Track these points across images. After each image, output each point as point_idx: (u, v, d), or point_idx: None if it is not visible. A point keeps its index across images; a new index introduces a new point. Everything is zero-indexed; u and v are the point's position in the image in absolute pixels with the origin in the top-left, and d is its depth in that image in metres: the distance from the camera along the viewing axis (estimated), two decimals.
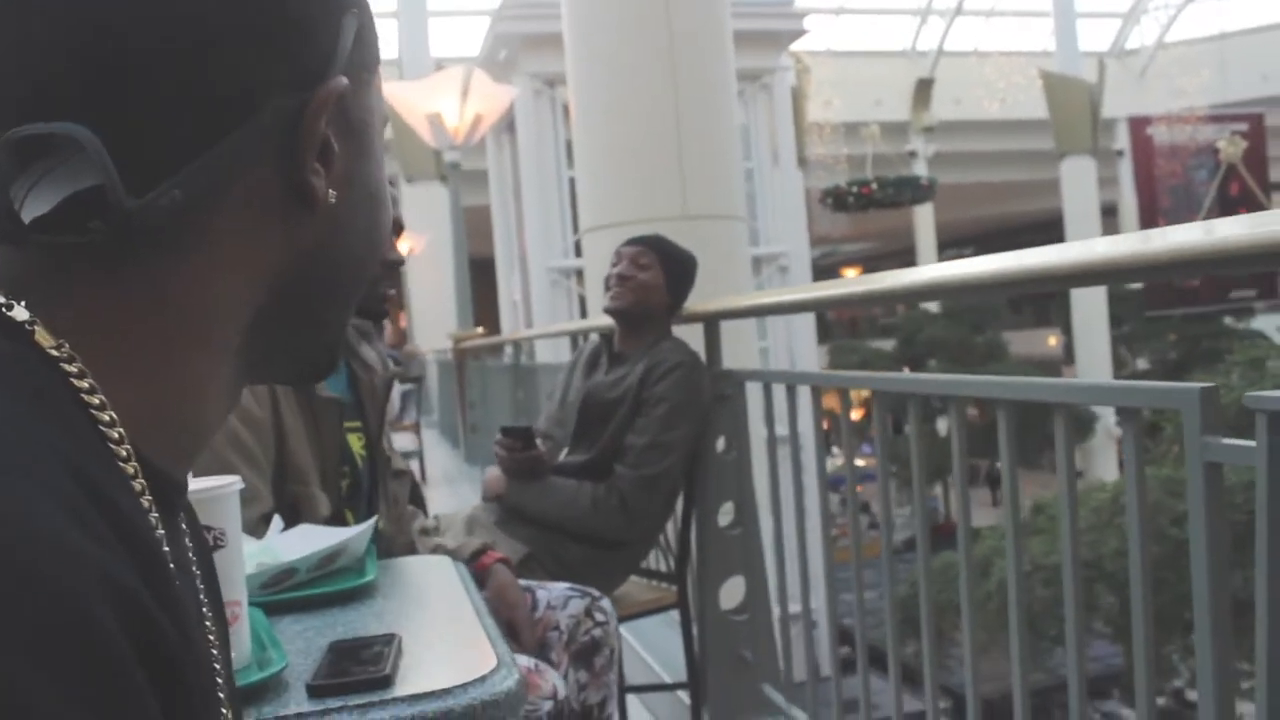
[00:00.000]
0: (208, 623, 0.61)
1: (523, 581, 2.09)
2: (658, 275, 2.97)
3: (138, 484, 0.51)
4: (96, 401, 0.51)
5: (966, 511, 2.00)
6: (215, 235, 0.56)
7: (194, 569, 0.61)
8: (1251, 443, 1.27)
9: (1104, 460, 23.08)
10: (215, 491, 1.14)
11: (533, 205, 11.69)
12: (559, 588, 2.11)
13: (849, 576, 2.44)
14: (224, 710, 0.58)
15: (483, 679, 1.07)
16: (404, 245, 18.24)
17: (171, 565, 0.50)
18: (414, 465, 8.62)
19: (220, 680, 0.60)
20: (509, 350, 7.82)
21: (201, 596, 0.62)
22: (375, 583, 1.52)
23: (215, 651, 0.61)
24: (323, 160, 0.59)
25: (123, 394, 0.53)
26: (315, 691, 1.06)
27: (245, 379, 0.63)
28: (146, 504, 0.52)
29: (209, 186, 0.54)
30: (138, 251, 0.54)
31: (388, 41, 22.33)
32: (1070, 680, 1.68)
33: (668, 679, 3.55)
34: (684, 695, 3.15)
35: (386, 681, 1.06)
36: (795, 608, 2.91)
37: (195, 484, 1.16)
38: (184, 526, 0.63)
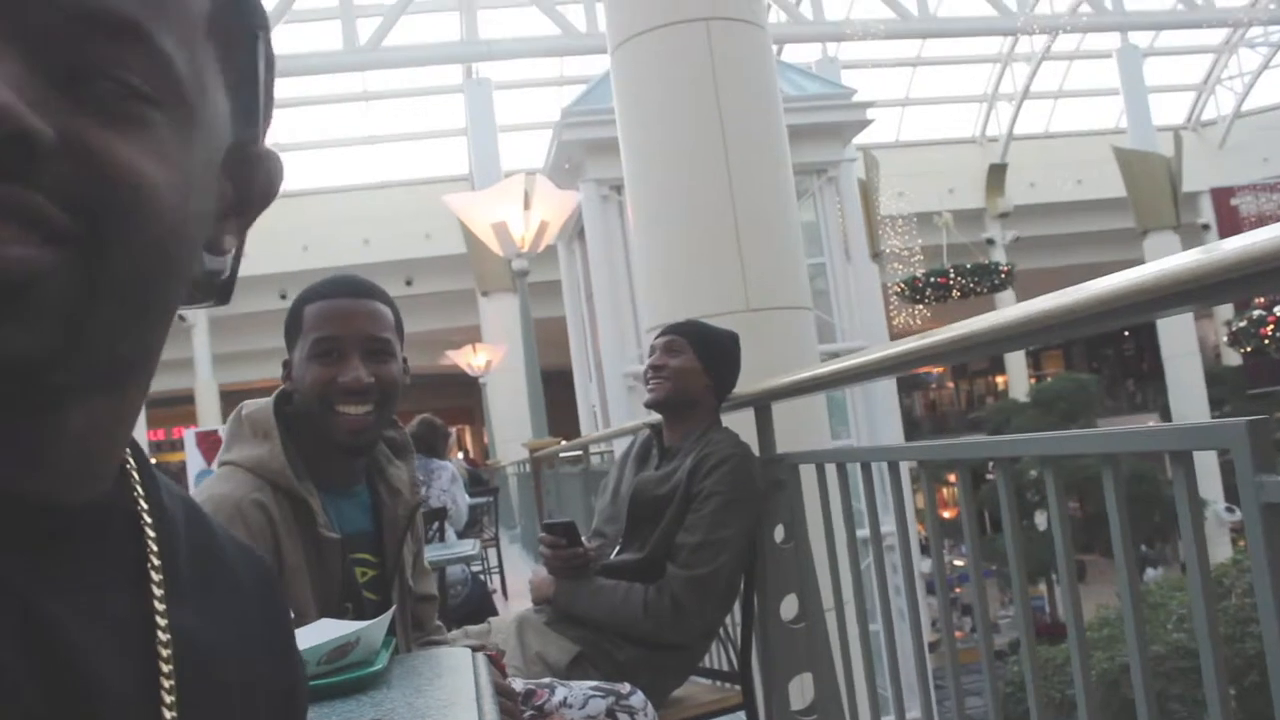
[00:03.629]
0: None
1: (546, 679, 2.00)
2: (691, 359, 2.90)
3: None
4: None
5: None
6: None
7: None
8: None
9: (1215, 548, 22.27)
10: None
11: (604, 310, 11.74)
12: (581, 686, 2.00)
13: (948, 684, 2.26)
14: None
15: None
16: (482, 358, 18.60)
17: None
18: (493, 579, 8.54)
19: None
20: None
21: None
22: (385, 673, 1.44)
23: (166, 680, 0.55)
24: None
25: None
26: None
27: None
28: None
29: None
30: None
31: (459, 158, 22.90)
32: None
33: None
34: None
35: None
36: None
37: None
38: (151, 555, 0.59)
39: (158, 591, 0.58)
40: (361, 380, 1.70)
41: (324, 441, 1.74)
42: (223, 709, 0.61)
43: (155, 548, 0.59)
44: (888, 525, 3.10)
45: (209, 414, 23.25)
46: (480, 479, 11.72)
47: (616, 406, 11.49)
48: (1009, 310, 1.67)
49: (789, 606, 3.00)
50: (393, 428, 1.91)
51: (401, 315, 1.83)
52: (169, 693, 0.55)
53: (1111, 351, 35.67)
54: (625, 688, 2.02)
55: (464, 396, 26.57)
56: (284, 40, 16.64)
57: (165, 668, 0.56)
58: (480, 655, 1.58)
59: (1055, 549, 1.70)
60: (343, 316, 1.72)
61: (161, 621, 0.57)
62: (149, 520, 0.61)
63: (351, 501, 1.81)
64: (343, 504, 1.78)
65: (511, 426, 18.42)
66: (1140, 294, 1.33)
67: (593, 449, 7.83)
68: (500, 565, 8.90)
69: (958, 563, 18.88)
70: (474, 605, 4.88)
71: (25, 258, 0.48)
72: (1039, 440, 1.77)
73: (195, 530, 0.66)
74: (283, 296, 22.06)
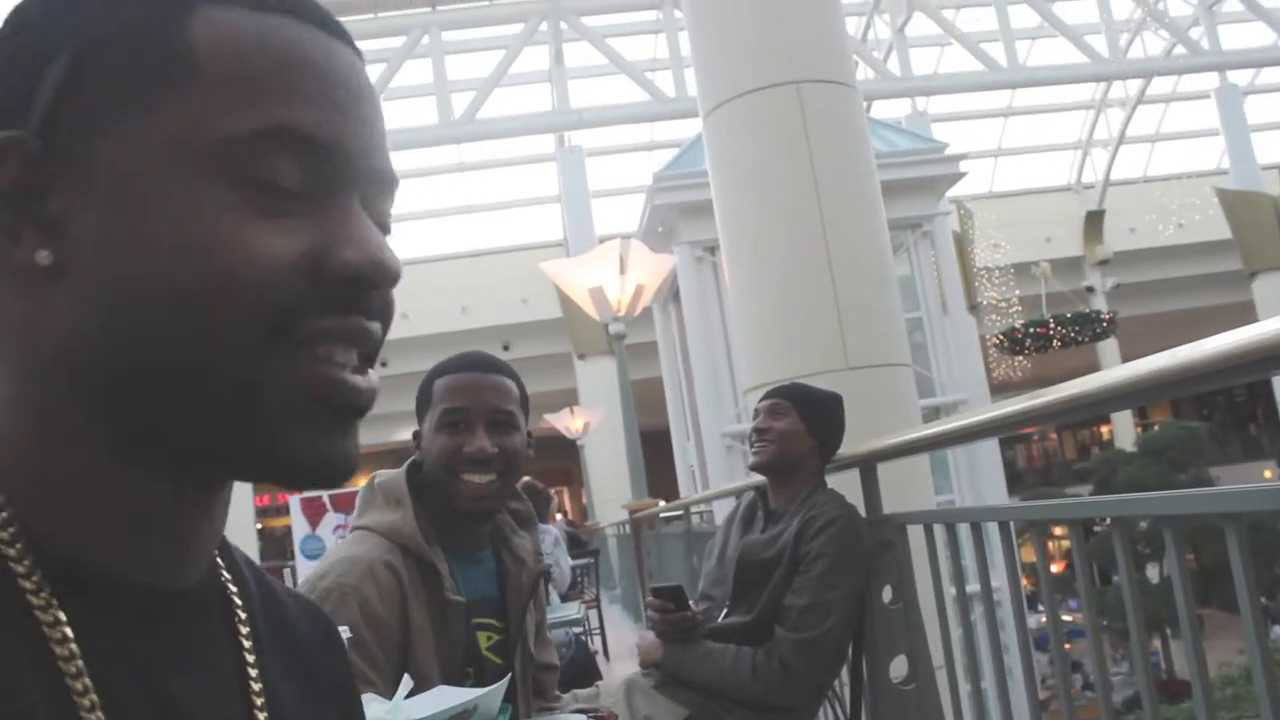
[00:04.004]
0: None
1: None
2: (795, 422, 2.91)
3: (21, 566, 0.52)
4: None
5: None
6: None
7: (159, 673, 0.57)
8: None
9: None
10: None
11: (701, 371, 11.76)
12: None
13: None
14: None
15: None
16: (580, 421, 18.69)
17: (64, 660, 0.51)
18: (595, 641, 8.53)
19: None
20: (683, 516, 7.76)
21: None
22: None
23: None
24: (43, 221, 0.55)
25: (18, 491, 0.54)
26: None
27: (170, 471, 0.58)
28: (40, 602, 0.52)
29: None
30: None
31: (554, 224, 23.20)
32: None
33: None
34: None
35: None
36: None
37: None
38: (242, 636, 0.64)
39: (250, 657, 0.62)
40: (486, 450, 1.76)
41: (450, 508, 1.80)
42: None
43: (244, 620, 0.64)
44: (994, 581, 3.03)
45: None
46: (580, 541, 11.75)
47: (715, 466, 11.46)
48: (1120, 370, 1.64)
49: (899, 667, 2.96)
50: (517, 499, 1.98)
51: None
52: None
53: (1221, 398, 34.71)
54: None
55: (562, 458, 26.73)
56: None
57: None
58: None
59: (1177, 608, 1.66)
60: (470, 389, 1.81)
61: (257, 691, 0.61)
62: (237, 599, 0.64)
63: (478, 569, 1.86)
64: (469, 570, 1.84)
65: (610, 488, 18.46)
66: (1259, 352, 1.29)
67: (693, 509, 7.81)
68: (601, 626, 8.90)
69: (1065, 618, 18.40)
70: (578, 668, 4.88)
71: (375, 383, 0.59)
72: (1158, 500, 1.74)
73: (264, 591, 0.69)
74: (383, 364, 22.44)
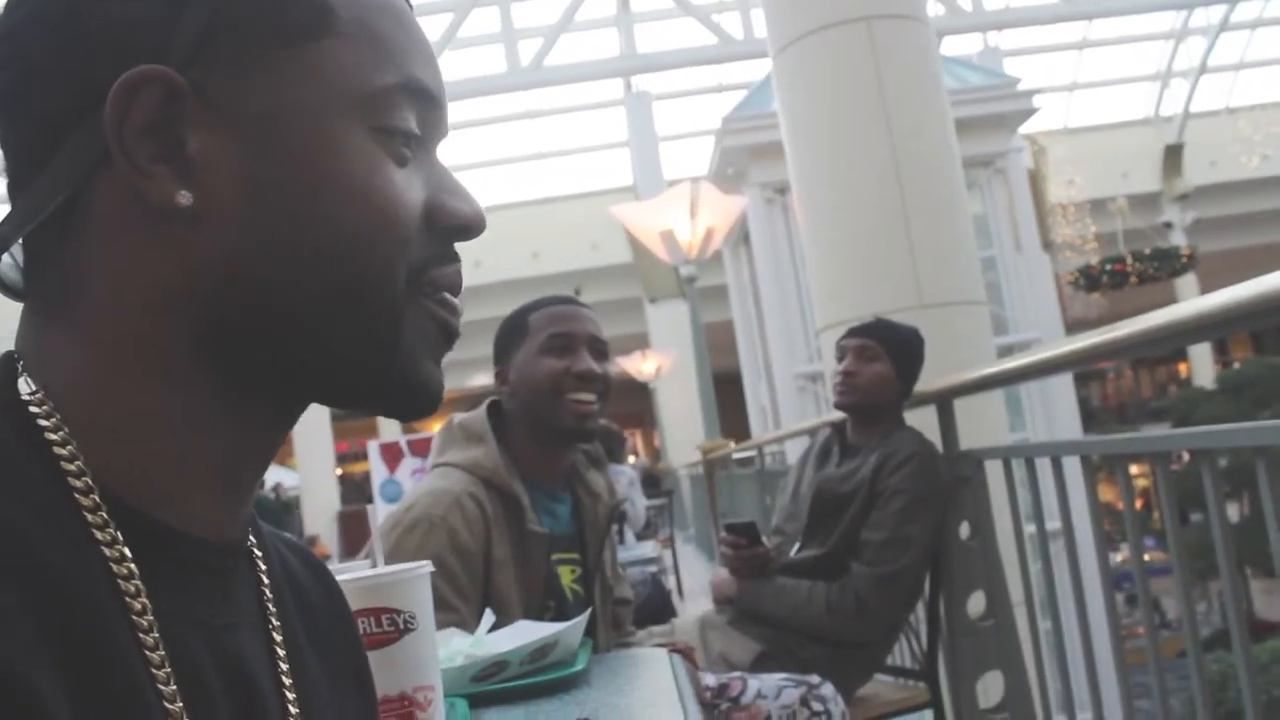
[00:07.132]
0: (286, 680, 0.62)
1: (736, 672, 2.05)
2: (887, 366, 2.87)
3: (105, 534, 0.50)
4: (65, 452, 0.51)
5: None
6: (93, 265, 0.55)
7: (226, 628, 0.58)
8: None
9: None
10: (403, 574, 1.13)
11: (773, 313, 11.71)
12: (773, 677, 2.04)
13: (1143, 681, 2.20)
14: None
15: None
16: (652, 364, 18.70)
17: (136, 616, 0.50)
18: (669, 580, 8.63)
19: None
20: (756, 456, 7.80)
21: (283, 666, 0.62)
22: (585, 673, 1.50)
23: (292, 707, 0.61)
24: (178, 160, 0.54)
25: (96, 443, 0.53)
26: None
27: (273, 412, 0.60)
28: (115, 555, 0.51)
29: (32, 214, 0.54)
30: (48, 296, 0.56)
31: (623, 169, 23.12)
32: None
33: None
34: None
35: None
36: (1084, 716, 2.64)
37: (388, 568, 1.15)
38: (265, 588, 0.64)
39: (272, 607, 0.63)
40: (594, 370, 1.88)
41: (546, 432, 1.89)
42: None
43: (267, 579, 0.65)
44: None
45: (389, 426, 24.01)
46: (656, 480, 11.83)
47: (787, 407, 11.44)
48: (1199, 301, 1.63)
49: (976, 603, 2.97)
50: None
51: None
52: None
53: None
54: (815, 679, 2.06)
55: (634, 402, 26.80)
56: (450, 66, 17.12)
57: (290, 695, 0.61)
58: (676, 655, 1.63)
59: (1258, 547, 1.65)
60: (573, 317, 1.92)
61: (279, 642, 0.63)
62: (257, 549, 0.65)
63: (556, 505, 1.92)
64: (548, 506, 1.89)
65: (682, 430, 18.52)
66: None
67: (766, 449, 7.83)
68: (676, 566, 8.99)
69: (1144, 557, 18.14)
70: (655, 606, 4.94)
71: None
72: (1247, 430, 1.71)
73: (271, 538, 0.70)
74: None
